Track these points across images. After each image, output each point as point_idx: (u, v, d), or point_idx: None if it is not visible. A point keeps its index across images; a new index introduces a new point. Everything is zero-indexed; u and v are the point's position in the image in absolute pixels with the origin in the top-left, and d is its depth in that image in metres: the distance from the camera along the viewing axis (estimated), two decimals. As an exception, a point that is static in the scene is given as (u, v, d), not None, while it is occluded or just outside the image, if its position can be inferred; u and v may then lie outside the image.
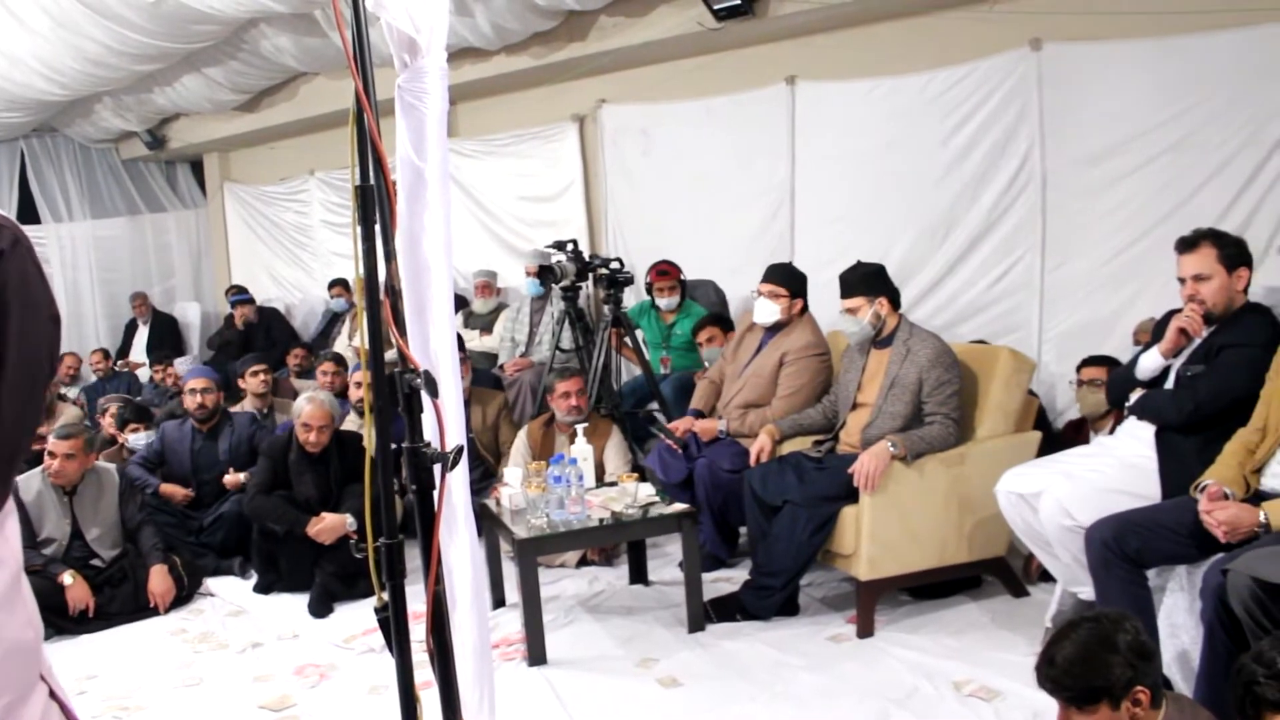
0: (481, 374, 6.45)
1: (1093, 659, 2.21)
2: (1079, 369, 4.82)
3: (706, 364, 5.70)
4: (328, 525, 4.79)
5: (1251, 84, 4.90)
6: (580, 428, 4.84)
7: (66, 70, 7.94)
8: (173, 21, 7.09)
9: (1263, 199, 4.91)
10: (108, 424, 6.32)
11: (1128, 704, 2.18)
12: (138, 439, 5.84)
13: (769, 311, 4.83)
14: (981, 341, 5.43)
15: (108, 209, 10.75)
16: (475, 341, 7.35)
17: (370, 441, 2.00)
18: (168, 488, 5.46)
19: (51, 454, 4.79)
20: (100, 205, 10.70)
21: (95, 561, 4.84)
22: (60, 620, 4.60)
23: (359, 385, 5.89)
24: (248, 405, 6.23)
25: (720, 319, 5.89)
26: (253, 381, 6.24)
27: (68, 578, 4.64)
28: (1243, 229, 4.57)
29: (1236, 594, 2.48)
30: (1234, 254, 3.32)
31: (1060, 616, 3.61)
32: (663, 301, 6.46)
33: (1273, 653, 1.89)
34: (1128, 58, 5.24)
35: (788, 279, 4.86)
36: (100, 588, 4.74)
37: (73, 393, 8.74)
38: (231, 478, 5.47)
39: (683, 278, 6.50)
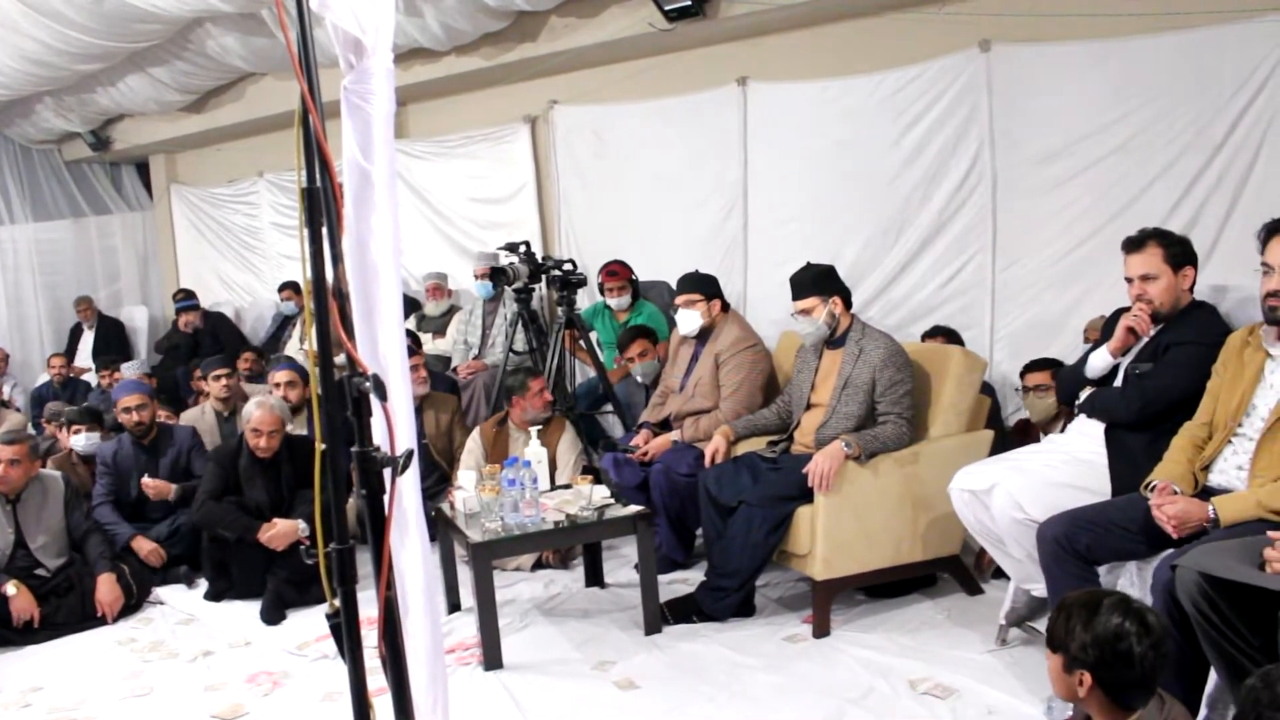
0: (436, 376, 6.40)
1: (1069, 611, 2.26)
2: (1022, 375, 4.87)
3: (640, 378, 5.69)
4: (279, 531, 4.74)
5: (1193, 86, 4.96)
6: (534, 429, 4.82)
7: (5, 69, 7.79)
8: (115, 20, 6.97)
9: (1207, 199, 4.98)
10: (65, 439, 6.20)
11: (1076, 677, 2.23)
12: (78, 440, 5.72)
13: (691, 320, 4.94)
14: (946, 328, 5.48)
15: (50, 211, 10.53)
16: (428, 344, 7.29)
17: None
18: (141, 543, 5.16)
19: (-5, 460, 4.70)
20: (43, 208, 10.48)
21: (40, 571, 4.74)
22: (4, 631, 4.52)
23: (279, 385, 5.84)
24: (210, 407, 6.16)
25: (647, 331, 5.86)
26: (215, 385, 6.17)
27: (10, 588, 4.54)
28: (1188, 229, 4.64)
29: (1185, 589, 2.50)
30: (1179, 253, 3.37)
31: (1014, 613, 3.65)
32: (613, 301, 6.45)
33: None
34: (1074, 59, 5.29)
35: (698, 284, 4.98)
36: (46, 597, 4.64)
37: (5, 390, 8.57)
38: (155, 485, 5.28)
39: (633, 277, 6.50)
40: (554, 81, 7.33)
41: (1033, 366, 4.82)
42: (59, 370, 8.93)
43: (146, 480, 5.30)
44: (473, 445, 5.23)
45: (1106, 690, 2.21)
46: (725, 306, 5.01)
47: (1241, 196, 4.90)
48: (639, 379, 5.65)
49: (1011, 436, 4.98)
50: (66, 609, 4.68)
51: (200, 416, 6.14)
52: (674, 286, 6.68)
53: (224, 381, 6.17)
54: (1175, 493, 2.99)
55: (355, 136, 2.10)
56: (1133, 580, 3.08)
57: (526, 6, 6.55)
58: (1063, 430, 3.95)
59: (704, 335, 4.95)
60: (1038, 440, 4.41)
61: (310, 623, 4.50)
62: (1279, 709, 1.87)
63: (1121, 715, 2.22)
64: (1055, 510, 3.19)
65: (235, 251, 10.16)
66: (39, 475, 4.89)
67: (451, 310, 7.54)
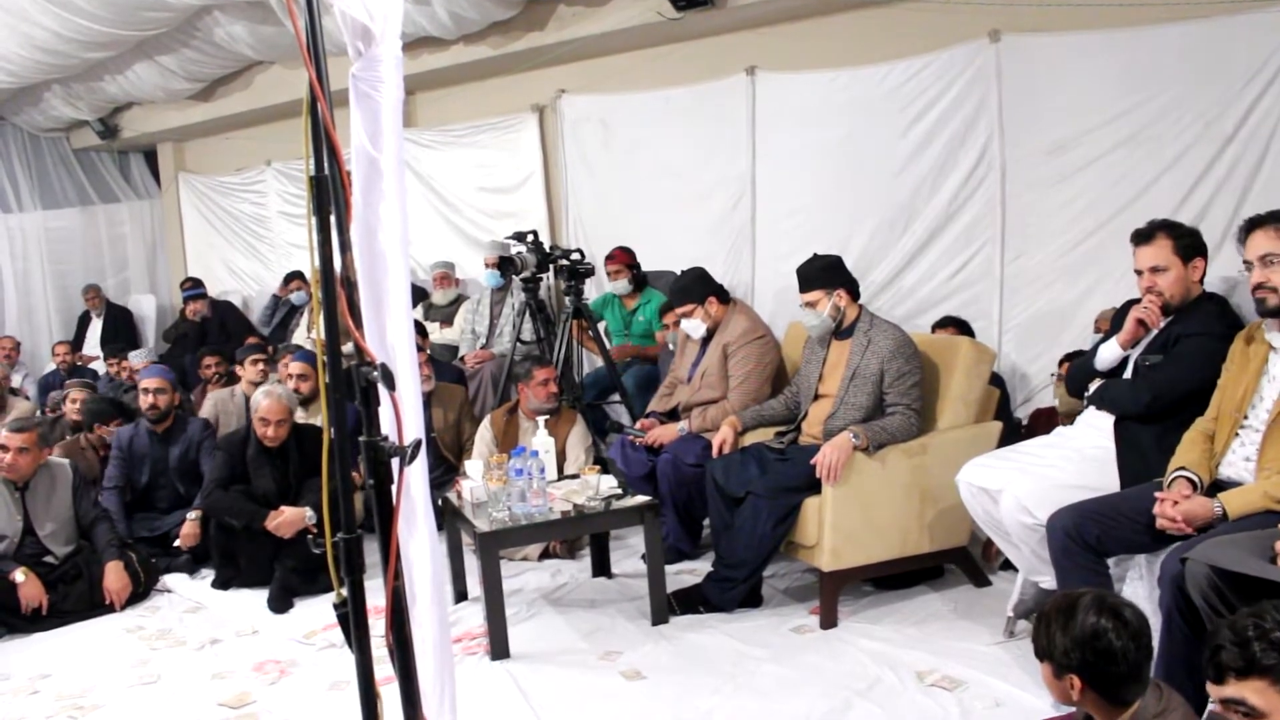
0: (443, 366, 6.40)
1: (1048, 618, 2.28)
2: (1060, 363, 4.85)
3: (672, 347, 5.69)
4: (287, 519, 4.74)
5: (1203, 77, 4.95)
6: (541, 419, 4.82)
7: (14, 57, 7.79)
8: (124, 8, 6.97)
9: (1217, 191, 4.97)
10: (71, 410, 6.29)
11: (1066, 682, 2.24)
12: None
13: (697, 328, 4.94)
14: (957, 318, 5.46)
15: (59, 199, 10.52)
16: (436, 334, 7.30)
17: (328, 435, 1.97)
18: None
19: (4, 448, 4.70)
20: (51, 195, 10.47)
21: (48, 558, 4.76)
22: (12, 619, 4.54)
23: (292, 377, 5.79)
24: (240, 389, 6.20)
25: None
26: (251, 370, 6.21)
27: (19, 575, 4.56)
28: (1197, 220, 4.61)
29: (1194, 582, 2.49)
30: (1189, 245, 3.35)
31: (1022, 605, 3.64)
32: (613, 285, 6.48)
33: (1245, 621, 1.92)
34: (1085, 50, 5.27)
35: (687, 294, 4.95)
36: (54, 585, 4.66)
37: (16, 380, 8.58)
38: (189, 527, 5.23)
39: (633, 263, 6.52)
40: (562, 71, 7.32)
41: (1074, 357, 4.77)
42: (63, 358, 8.94)
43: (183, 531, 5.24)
44: (484, 433, 5.23)
45: (1098, 689, 2.22)
46: (724, 298, 4.98)
47: (1252, 188, 4.90)
48: (671, 348, 5.66)
49: (1024, 428, 4.97)
50: (74, 596, 4.70)
51: (230, 399, 6.17)
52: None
53: (260, 366, 6.21)
54: (1193, 483, 2.97)
55: (363, 125, 2.10)
56: (1142, 573, 3.07)
57: (534, -6, 6.55)
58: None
59: (711, 328, 4.94)
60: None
61: (318, 611, 4.52)
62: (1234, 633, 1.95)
63: (1119, 711, 2.23)
64: (1063, 513, 3.18)
65: (243, 240, 10.16)
66: (47, 463, 4.90)
67: (459, 299, 7.54)
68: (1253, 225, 2.97)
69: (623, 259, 6.50)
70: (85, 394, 6.51)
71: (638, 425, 4.99)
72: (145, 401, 5.51)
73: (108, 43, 7.67)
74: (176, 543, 5.20)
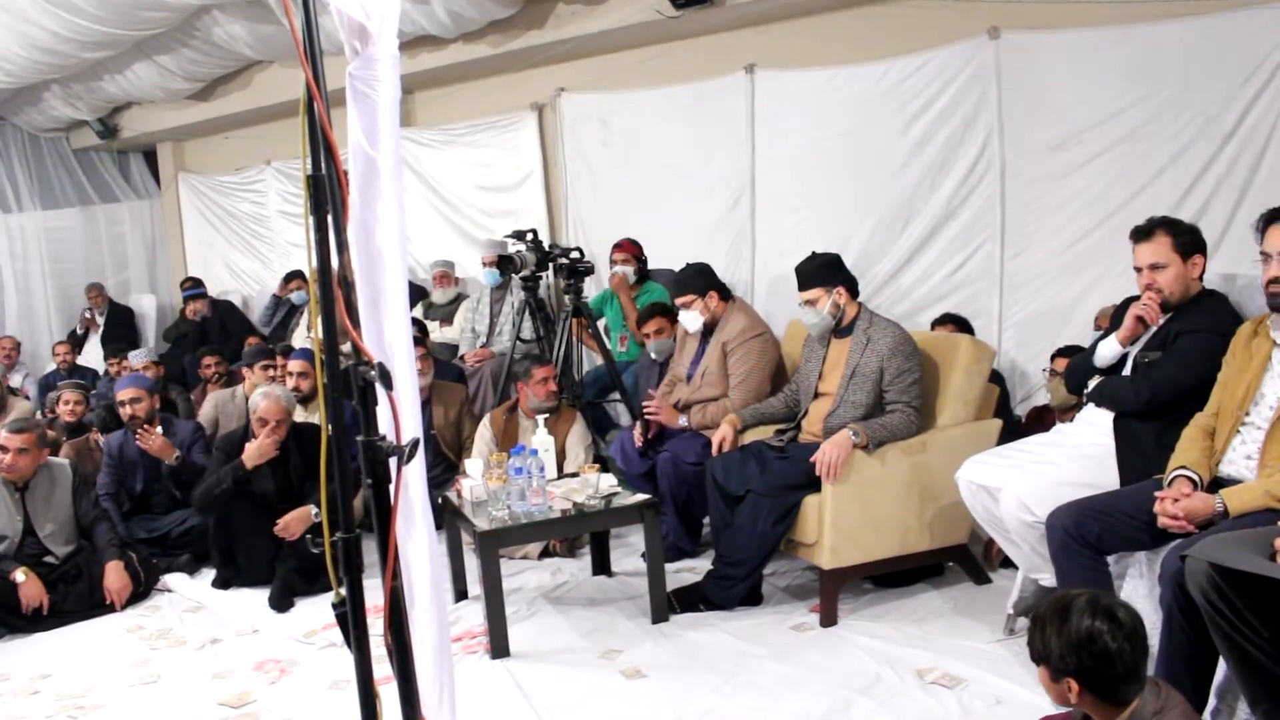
0: (444, 365, 6.40)
1: (1042, 622, 2.28)
2: (1052, 359, 4.84)
3: (654, 355, 5.68)
4: (295, 517, 4.74)
5: (1203, 75, 4.93)
6: (541, 418, 4.82)
7: (13, 57, 7.79)
8: (122, 8, 6.98)
9: (1217, 188, 4.96)
10: (64, 411, 6.30)
11: (1064, 685, 2.25)
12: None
13: (693, 320, 4.93)
14: (956, 316, 5.46)
15: (59, 199, 10.50)
16: (436, 332, 7.29)
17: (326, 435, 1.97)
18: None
19: (4, 449, 4.70)
20: (51, 196, 10.46)
21: (49, 559, 4.76)
22: (13, 619, 4.54)
23: (291, 375, 5.79)
24: (242, 390, 6.21)
25: (666, 309, 5.83)
26: (260, 375, 6.24)
27: (20, 575, 4.56)
28: (1197, 217, 4.59)
29: (1194, 580, 2.49)
30: (1189, 242, 3.35)
31: (1022, 603, 3.64)
32: (619, 268, 6.47)
33: None
34: (1084, 47, 5.26)
35: (688, 285, 4.95)
36: (54, 585, 4.67)
37: (17, 380, 8.58)
38: (156, 440, 5.27)
39: (639, 255, 6.53)
40: (561, 69, 7.31)
41: (1064, 352, 4.77)
42: (64, 358, 8.94)
43: (147, 429, 5.27)
44: (484, 432, 5.23)
45: (1095, 692, 2.22)
46: (725, 295, 4.98)
47: (1251, 185, 4.88)
48: (654, 356, 5.66)
49: (1030, 420, 4.97)
50: (75, 596, 4.70)
51: (230, 400, 6.17)
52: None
53: (270, 372, 6.22)
54: (1193, 483, 2.97)
55: (360, 123, 2.09)
56: (1142, 570, 3.07)
57: (533, -7, 6.54)
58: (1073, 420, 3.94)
59: (710, 325, 4.94)
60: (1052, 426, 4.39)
61: (318, 611, 4.52)
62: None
63: (1117, 710, 2.23)
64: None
65: (243, 240, 10.16)
66: (47, 463, 4.90)
67: (458, 298, 7.53)
68: (1273, 218, 2.95)
69: (630, 249, 6.50)
70: (77, 395, 6.51)
71: (651, 401, 4.96)
72: (124, 414, 5.47)
73: (107, 43, 7.67)
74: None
